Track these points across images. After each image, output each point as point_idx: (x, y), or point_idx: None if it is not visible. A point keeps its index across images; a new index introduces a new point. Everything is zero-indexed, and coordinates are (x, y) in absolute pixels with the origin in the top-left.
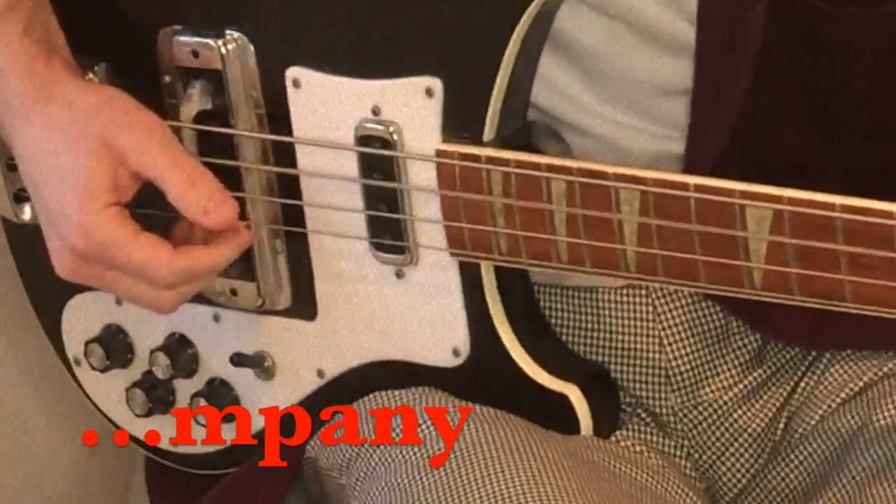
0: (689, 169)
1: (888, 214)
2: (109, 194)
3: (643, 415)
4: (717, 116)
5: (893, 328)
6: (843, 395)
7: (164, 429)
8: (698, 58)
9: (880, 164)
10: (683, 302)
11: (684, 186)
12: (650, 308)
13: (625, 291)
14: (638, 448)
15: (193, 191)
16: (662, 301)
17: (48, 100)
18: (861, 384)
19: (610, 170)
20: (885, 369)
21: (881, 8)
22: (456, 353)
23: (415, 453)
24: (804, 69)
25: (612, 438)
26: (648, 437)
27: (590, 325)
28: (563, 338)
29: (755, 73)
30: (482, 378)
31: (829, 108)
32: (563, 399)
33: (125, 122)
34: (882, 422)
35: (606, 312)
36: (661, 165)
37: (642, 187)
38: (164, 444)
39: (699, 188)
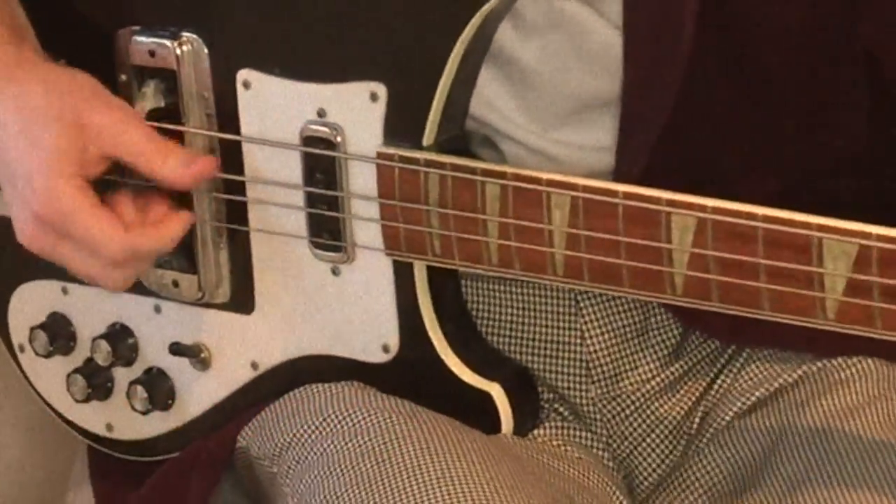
0: (618, 180)
1: (808, 226)
2: (76, 167)
3: (561, 409)
4: (646, 128)
5: (809, 333)
6: (758, 393)
7: (102, 415)
8: (627, 71)
9: (801, 176)
10: (604, 297)
11: (613, 193)
12: (572, 302)
13: (547, 286)
14: (556, 442)
15: (172, 158)
16: (584, 295)
17: (22, 80)
18: (777, 384)
19: (543, 175)
20: (800, 371)
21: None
22: (386, 349)
23: (345, 444)
24: (731, 83)
25: (531, 435)
26: (567, 431)
27: (511, 318)
28: (488, 330)
29: (684, 85)
30: (410, 374)
31: (755, 119)
32: (486, 397)
33: (98, 104)
34: (800, 434)
35: (528, 305)
36: (592, 177)
37: (573, 193)
38: (102, 431)
39: (627, 195)
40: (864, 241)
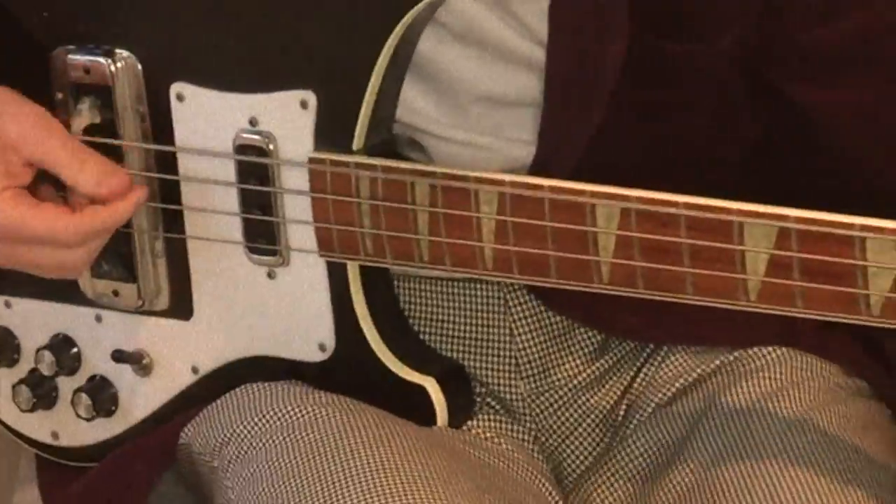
0: (542, 172)
1: (728, 210)
2: (3, 180)
3: (493, 403)
4: (570, 134)
5: (722, 326)
6: (678, 384)
7: (47, 423)
8: (549, 87)
9: (723, 178)
10: (532, 296)
11: (539, 188)
12: (501, 300)
13: (478, 284)
14: (488, 435)
15: (86, 169)
16: (512, 294)
17: None
18: (695, 375)
19: (471, 173)
20: (717, 362)
21: (714, 46)
22: (322, 348)
23: (283, 439)
24: (655, 97)
25: (465, 427)
26: (498, 424)
27: (444, 317)
28: (421, 328)
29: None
30: (347, 371)
31: (676, 130)
32: (421, 391)
33: (12, 114)
34: (716, 420)
35: (460, 304)
36: (516, 167)
37: (500, 189)
38: (48, 439)
39: (553, 189)
40: (782, 224)
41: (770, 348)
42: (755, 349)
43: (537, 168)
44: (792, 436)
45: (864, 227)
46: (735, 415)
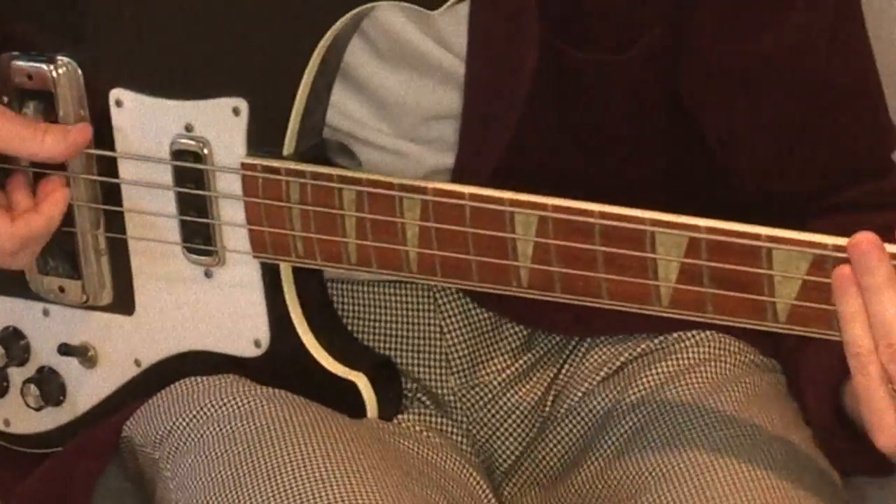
0: (458, 182)
1: (641, 220)
2: None
3: (424, 398)
4: (487, 140)
5: (644, 317)
6: (602, 374)
7: (0, 412)
8: (468, 95)
9: (637, 180)
10: (460, 295)
11: (460, 195)
12: (430, 301)
13: (408, 286)
14: (418, 428)
15: (49, 136)
16: (441, 294)
17: None
18: (618, 364)
19: (395, 181)
20: (639, 350)
21: (622, 55)
22: (257, 344)
23: (220, 430)
24: (569, 104)
25: (395, 421)
26: (428, 418)
27: (377, 317)
28: (353, 328)
29: (526, 104)
30: (281, 366)
31: (590, 135)
32: (352, 385)
33: None
34: (634, 396)
35: (391, 305)
36: (441, 174)
37: (423, 196)
38: (1, 426)
39: (473, 197)
40: (693, 234)
41: (692, 332)
42: (677, 334)
43: (458, 174)
44: (700, 410)
45: (770, 238)
46: (648, 393)
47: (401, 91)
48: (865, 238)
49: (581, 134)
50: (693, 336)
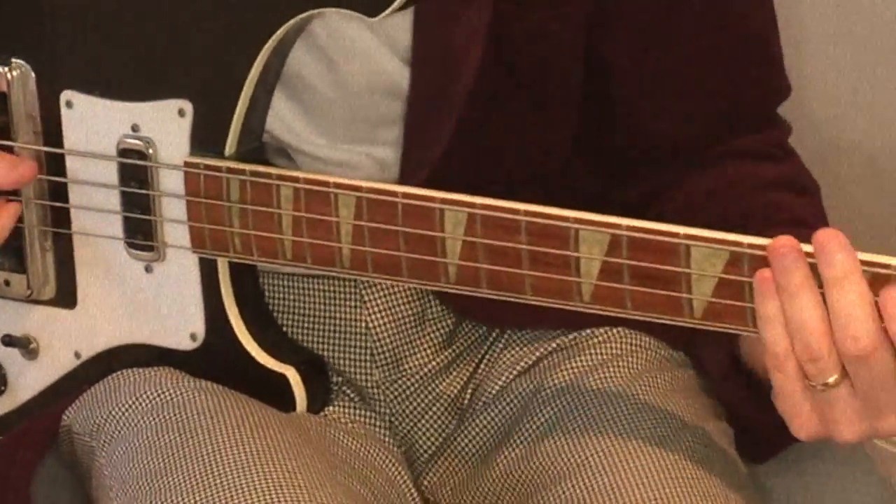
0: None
1: (565, 218)
2: None
3: (349, 391)
4: (428, 145)
5: (561, 311)
6: (519, 367)
7: None
8: (411, 98)
9: (570, 180)
10: (386, 291)
11: (393, 193)
12: (357, 296)
13: (336, 281)
14: (344, 420)
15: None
16: (368, 290)
17: None
18: (535, 357)
19: (331, 179)
20: (555, 344)
21: (562, 10)
22: (193, 337)
23: (153, 419)
24: (504, 113)
25: (323, 413)
26: (353, 410)
27: (305, 310)
28: (281, 321)
29: (463, 112)
30: (215, 359)
31: (524, 135)
32: (283, 379)
33: None
34: (550, 389)
35: (319, 299)
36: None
37: (357, 194)
38: None
39: (406, 195)
40: (614, 232)
41: (604, 328)
42: (590, 329)
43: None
44: (614, 404)
45: (688, 237)
46: (564, 387)
47: (343, 97)
48: (785, 242)
49: (519, 136)
50: (605, 332)
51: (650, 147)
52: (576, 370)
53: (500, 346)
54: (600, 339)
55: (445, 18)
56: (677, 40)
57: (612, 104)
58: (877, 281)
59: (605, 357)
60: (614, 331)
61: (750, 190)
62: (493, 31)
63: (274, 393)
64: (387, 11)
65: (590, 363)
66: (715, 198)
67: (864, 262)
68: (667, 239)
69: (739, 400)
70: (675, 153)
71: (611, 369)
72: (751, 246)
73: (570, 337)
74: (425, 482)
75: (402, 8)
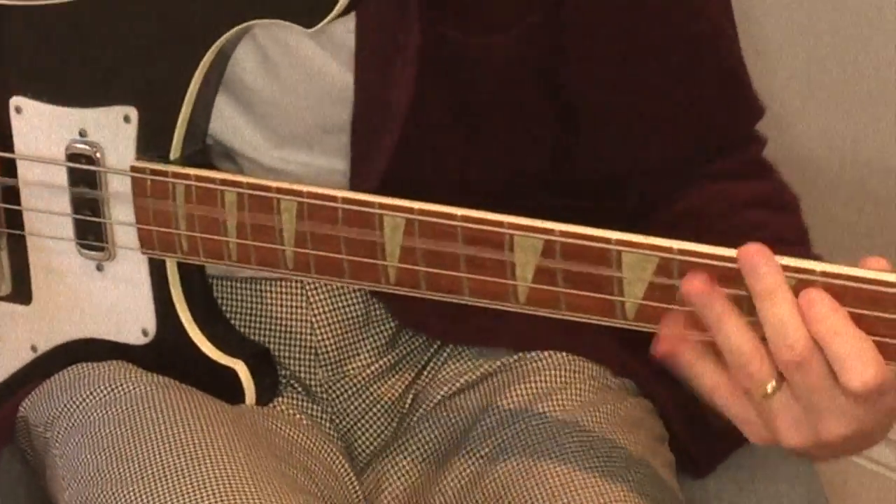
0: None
1: (501, 224)
2: None
3: (296, 385)
4: (374, 156)
5: (504, 330)
6: (462, 381)
7: None
8: (356, 105)
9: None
10: (331, 293)
11: (333, 199)
12: (303, 297)
13: (283, 283)
14: (291, 412)
15: None
16: (314, 292)
17: None
18: (478, 374)
19: (273, 184)
20: (499, 363)
21: (508, 34)
22: (145, 332)
23: (106, 411)
24: (451, 119)
25: (271, 405)
26: (300, 404)
27: (254, 311)
28: (233, 321)
29: (407, 120)
30: (166, 354)
31: (468, 150)
32: (232, 372)
33: None
34: (494, 418)
35: (268, 300)
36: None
37: (298, 198)
38: None
39: (345, 200)
40: (548, 237)
41: (548, 353)
42: (534, 353)
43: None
44: (561, 435)
45: (619, 242)
46: (511, 414)
47: (287, 102)
48: (752, 247)
49: (467, 120)
50: (549, 357)
51: (619, 176)
52: (519, 399)
53: (444, 356)
54: (545, 363)
55: (384, 29)
56: (643, 72)
57: (577, 132)
58: (801, 286)
59: (547, 387)
60: (558, 356)
61: (728, 209)
62: (427, 53)
63: (224, 386)
64: (322, 23)
65: (537, 390)
66: (693, 218)
67: (786, 268)
68: (599, 245)
69: (680, 420)
70: (646, 182)
71: (556, 399)
72: (679, 251)
73: (515, 358)
74: (365, 482)
75: (340, 16)
